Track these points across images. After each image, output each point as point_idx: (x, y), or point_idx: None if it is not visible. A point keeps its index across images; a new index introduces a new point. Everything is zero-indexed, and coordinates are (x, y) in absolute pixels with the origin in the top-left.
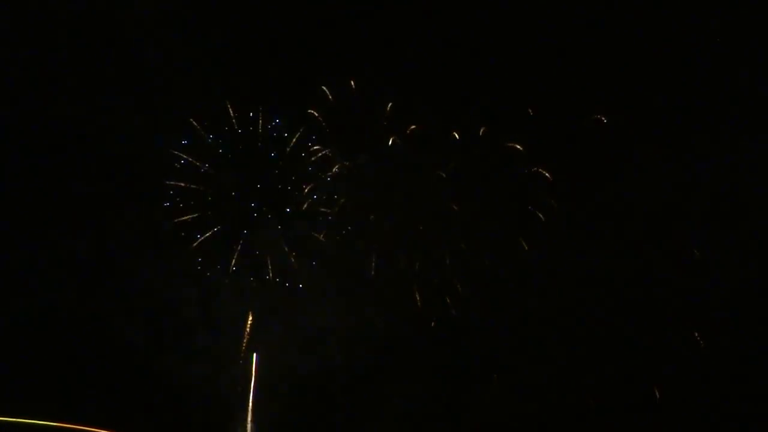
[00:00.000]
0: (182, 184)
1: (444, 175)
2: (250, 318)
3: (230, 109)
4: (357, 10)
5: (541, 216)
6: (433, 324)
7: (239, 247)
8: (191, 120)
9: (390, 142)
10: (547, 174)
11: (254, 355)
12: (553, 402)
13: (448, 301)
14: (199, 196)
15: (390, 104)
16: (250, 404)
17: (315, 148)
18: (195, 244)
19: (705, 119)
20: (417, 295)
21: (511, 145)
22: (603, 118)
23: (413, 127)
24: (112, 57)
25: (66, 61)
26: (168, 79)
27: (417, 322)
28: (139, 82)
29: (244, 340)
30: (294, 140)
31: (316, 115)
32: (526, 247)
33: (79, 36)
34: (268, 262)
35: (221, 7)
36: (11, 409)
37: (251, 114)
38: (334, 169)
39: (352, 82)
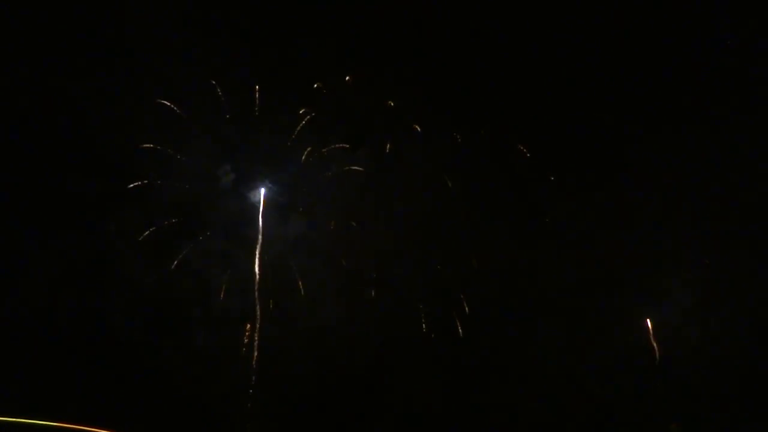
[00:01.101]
0: (180, 183)
1: (449, 183)
2: (251, 317)
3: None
4: (357, 8)
5: (546, 219)
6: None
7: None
8: (190, 118)
9: (389, 145)
10: (551, 177)
11: (255, 354)
12: (555, 404)
13: (454, 315)
14: (198, 194)
15: (391, 103)
16: (250, 404)
17: (309, 149)
18: (194, 244)
19: (710, 119)
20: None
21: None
22: (605, 117)
23: (416, 127)
24: (109, 56)
25: (60, 59)
26: (167, 79)
27: (418, 329)
28: (139, 81)
29: (245, 340)
30: (293, 138)
31: (314, 114)
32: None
33: (74, 34)
34: (268, 261)
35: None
36: (11, 409)
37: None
38: (332, 170)
39: (348, 78)
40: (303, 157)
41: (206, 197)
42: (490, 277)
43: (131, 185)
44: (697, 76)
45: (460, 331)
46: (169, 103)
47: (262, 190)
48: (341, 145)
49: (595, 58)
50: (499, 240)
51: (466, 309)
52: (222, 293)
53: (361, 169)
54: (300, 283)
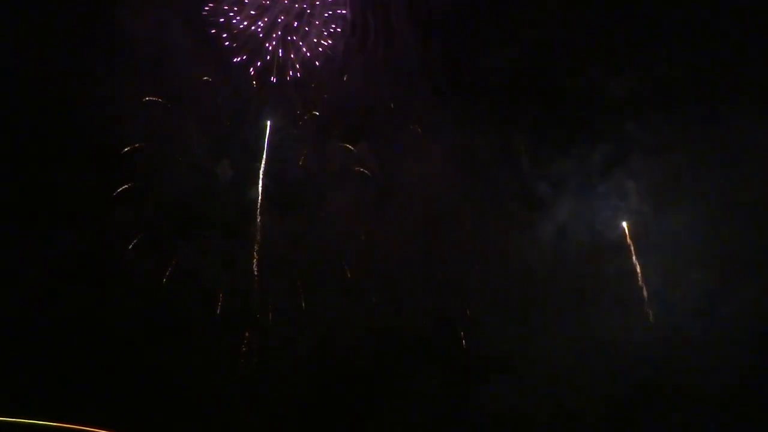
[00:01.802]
0: (178, 181)
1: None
2: (250, 317)
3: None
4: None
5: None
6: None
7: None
8: (188, 116)
9: (389, 145)
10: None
11: (254, 355)
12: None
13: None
14: (197, 191)
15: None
16: (250, 404)
17: (309, 149)
18: (192, 242)
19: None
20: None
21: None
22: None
23: (417, 128)
24: (107, 54)
25: (57, 58)
26: (165, 77)
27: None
28: (137, 78)
29: (244, 340)
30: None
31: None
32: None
33: (70, 32)
34: (268, 261)
35: None
36: (11, 409)
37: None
38: (332, 169)
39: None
40: (303, 157)
41: (205, 195)
42: (492, 278)
43: (129, 184)
44: (695, 75)
45: (462, 334)
46: (167, 101)
47: (261, 189)
48: (342, 144)
49: (594, 56)
50: (500, 240)
51: (468, 312)
52: (221, 293)
53: (361, 168)
54: (299, 283)
